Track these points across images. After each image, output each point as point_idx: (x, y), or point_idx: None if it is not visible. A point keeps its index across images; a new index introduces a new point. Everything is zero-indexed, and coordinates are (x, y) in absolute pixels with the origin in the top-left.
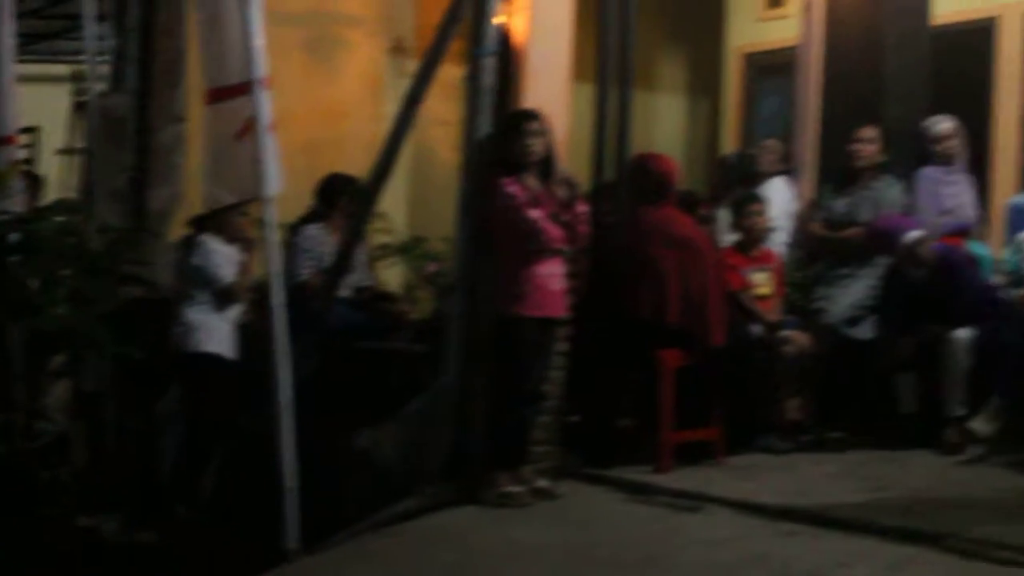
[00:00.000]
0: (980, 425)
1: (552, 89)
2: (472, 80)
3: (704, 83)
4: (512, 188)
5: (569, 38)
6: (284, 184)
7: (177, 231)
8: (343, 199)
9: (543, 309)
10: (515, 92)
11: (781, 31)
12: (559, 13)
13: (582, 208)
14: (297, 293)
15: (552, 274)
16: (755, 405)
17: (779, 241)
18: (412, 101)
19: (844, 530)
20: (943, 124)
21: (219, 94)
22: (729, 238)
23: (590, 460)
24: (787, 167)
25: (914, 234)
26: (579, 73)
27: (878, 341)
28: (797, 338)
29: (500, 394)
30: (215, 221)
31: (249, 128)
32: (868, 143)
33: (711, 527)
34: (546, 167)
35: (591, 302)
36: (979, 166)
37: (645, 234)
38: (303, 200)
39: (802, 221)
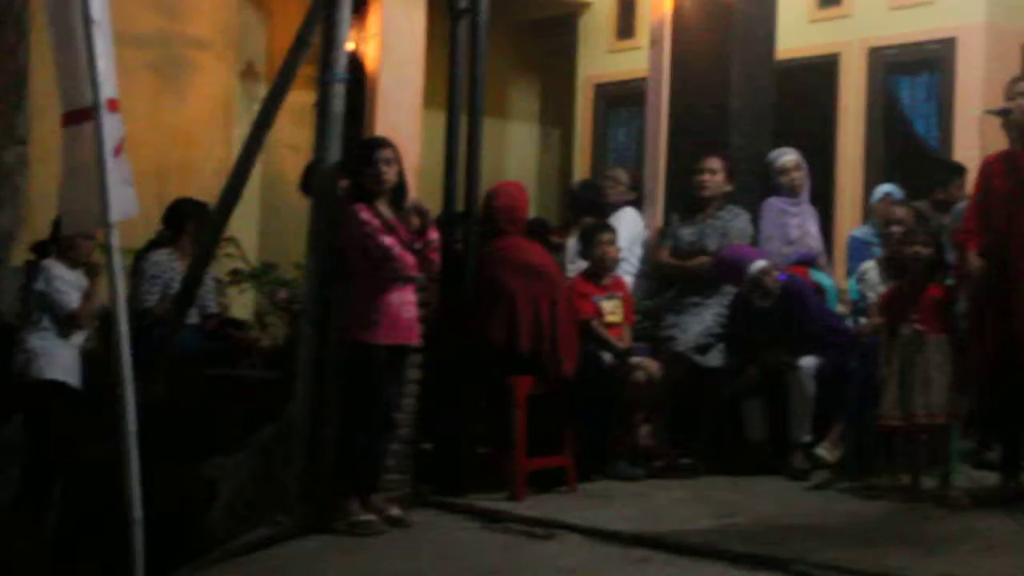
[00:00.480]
0: (825, 451)
1: (404, 117)
2: (322, 106)
3: (556, 112)
4: (365, 215)
5: (421, 66)
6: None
7: (20, 256)
8: (190, 224)
9: (395, 337)
10: (367, 119)
11: (631, 62)
12: (411, 41)
13: (434, 236)
14: (143, 319)
15: (405, 302)
16: (606, 432)
17: (628, 270)
18: (261, 126)
19: (695, 556)
20: (787, 156)
21: (75, 117)
22: (578, 266)
23: (443, 488)
24: (635, 196)
25: (759, 264)
26: (431, 101)
27: (726, 369)
28: (647, 365)
29: (351, 421)
30: (59, 246)
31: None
32: (713, 173)
33: (564, 554)
34: (398, 195)
35: (443, 330)
36: (824, 198)
37: (496, 262)
38: (152, 225)
39: (651, 250)
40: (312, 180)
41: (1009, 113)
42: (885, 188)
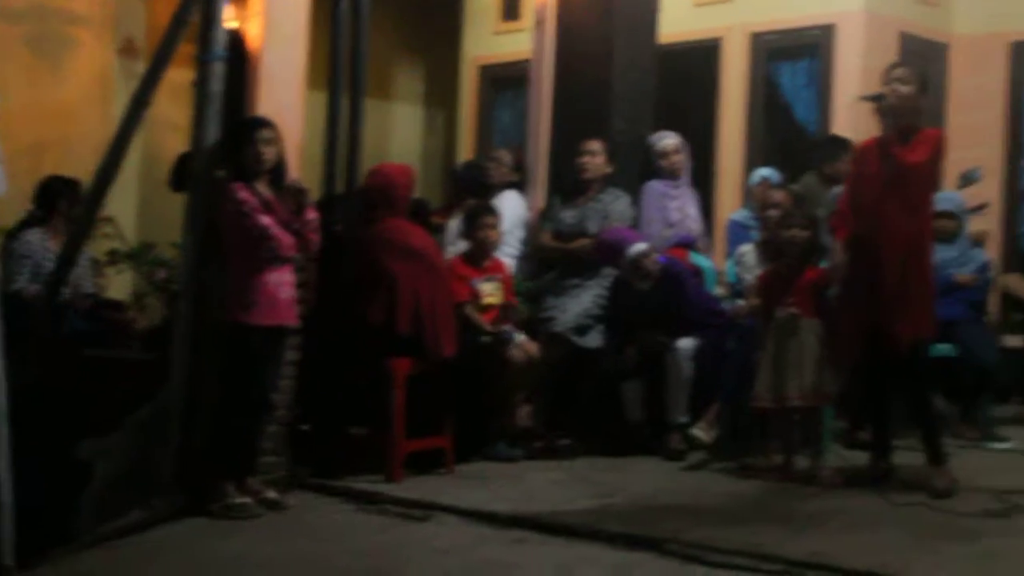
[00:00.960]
0: (701, 432)
1: (286, 96)
2: (200, 85)
3: (440, 93)
4: (243, 194)
5: (304, 45)
6: (7, 187)
7: None
8: (62, 203)
9: (273, 317)
10: (249, 98)
11: (516, 44)
12: (294, 20)
13: (312, 215)
14: (14, 300)
15: (282, 282)
16: (485, 413)
17: (508, 252)
18: (138, 103)
19: (571, 536)
20: (668, 140)
21: None
22: (458, 248)
23: (321, 470)
24: (519, 178)
25: (639, 246)
26: (314, 80)
27: (605, 350)
28: (526, 347)
29: (227, 403)
30: None
31: None
32: (593, 155)
33: (441, 536)
34: (277, 174)
35: (322, 311)
36: (704, 181)
37: (377, 244)
38: (27, 204)
39: (533, 232)
40: (183, 175)
41: (882, 99)
42: (763, 172)
